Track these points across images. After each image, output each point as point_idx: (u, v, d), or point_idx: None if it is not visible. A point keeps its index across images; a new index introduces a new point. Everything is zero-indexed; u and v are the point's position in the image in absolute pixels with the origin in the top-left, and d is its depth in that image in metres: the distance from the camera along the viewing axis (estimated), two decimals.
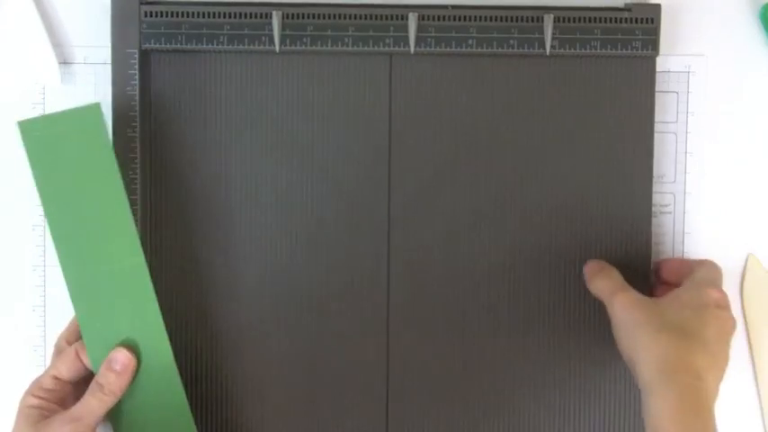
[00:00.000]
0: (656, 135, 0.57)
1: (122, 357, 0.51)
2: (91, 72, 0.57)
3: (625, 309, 0.50)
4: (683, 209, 0.58)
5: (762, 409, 0.58)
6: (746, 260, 0.58)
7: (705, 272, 0.52)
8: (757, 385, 0.58)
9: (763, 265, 0.58)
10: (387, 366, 0.57)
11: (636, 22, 0.54)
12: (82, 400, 0.51)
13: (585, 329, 0.56)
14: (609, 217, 0.56)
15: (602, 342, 0.55)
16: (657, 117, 0.57)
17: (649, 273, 0.56)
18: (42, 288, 0.58)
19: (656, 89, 0.57)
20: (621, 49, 0.54)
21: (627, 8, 0.55)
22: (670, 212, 0.58)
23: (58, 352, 0.53)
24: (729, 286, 0.58)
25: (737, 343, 0.58)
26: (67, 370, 0.52)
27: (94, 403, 0.50)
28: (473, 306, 0.56)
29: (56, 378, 0.52)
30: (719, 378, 0.48)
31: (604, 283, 0.53)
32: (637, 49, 0.54)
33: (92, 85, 0.57)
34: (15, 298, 0.58)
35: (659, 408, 0.45)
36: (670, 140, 0.58)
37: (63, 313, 0.57)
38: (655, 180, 0.57)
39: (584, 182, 0.56)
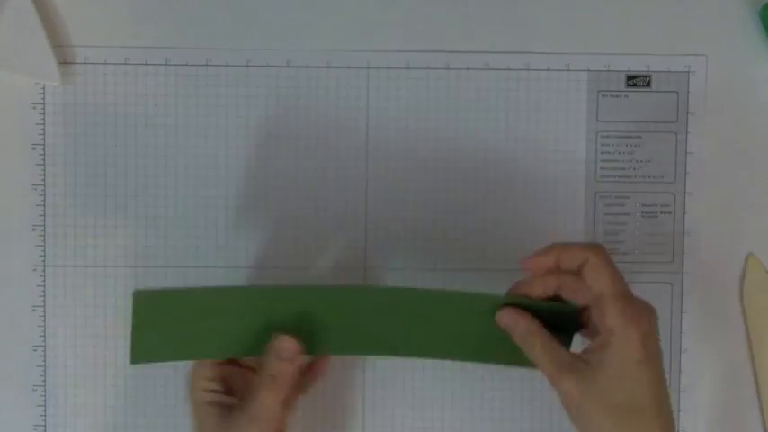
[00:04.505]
0: (656, 135, 0.58)
1: (289, 345, 0.50)
2: (91, 72, 0.57)
3: (573, 400, 0.47)
4: (683, 209, 0.58)
5: (762, 409, 0.58)
6: (746, 260, 0.58)
7: (617, 313, 0.46)
8: (757, 385, 0.58)
9: (764, 265, 0.58)
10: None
11: None
12: (257, 396, 0.49)
13: None
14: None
15: None
16: (657, 117, 0.57)
17: None
18: (42, 288, 0.57)
19: (657, 89, 0.57)
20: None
21: None
22: (670, 212, 0.58)
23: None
24: (729, 286, 0.58)
25: (738, 343, 0.58)
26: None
27: (271, 397, 0.49)
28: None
29: (217, 364, 0.51)
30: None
31: (539, 358, 0.48)
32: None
33: (91, 85, 0.57)
34: (15, 298, 0.58)
35: None
36: (670, 140, 0.58)
37: (63, 313, 0.57)
38: (655, 180, 0.58)
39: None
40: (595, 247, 0.48)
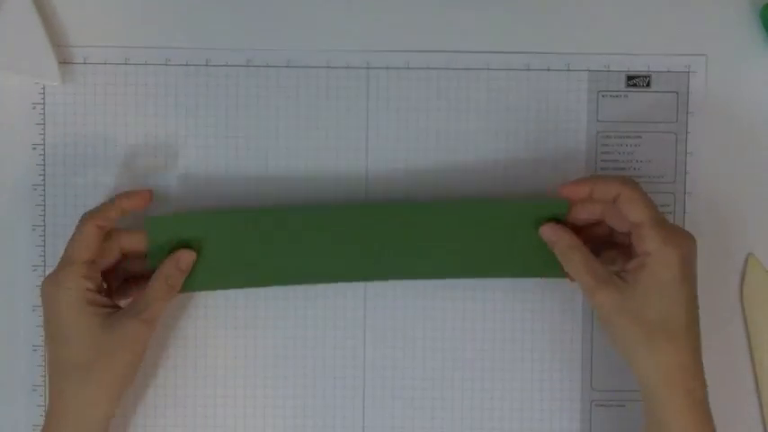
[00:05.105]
0: (655, 135, 0.58)
1: (190, 257, 0.53)
2: (91, 72, 0.57)
3: (608, 313, 0.50)
4: (683, 209, 0.58)
5: (762, 409, 0.58)
6: (746, 260, 0.58)
7: (655, 236, 0.49)
8: (757, 385, 0.58)
9: (764, 265, 0.58)
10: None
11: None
12: (154, 301, 0.51)
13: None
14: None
15: None
16: (657, 117, 0.57)
17: None
18: None
19: (657, 89, 0.57)
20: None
21: None
22: (670, 212, 0.58)
23: (84, 240, 0.51)
24: (729, 286, 0.58)
25: (738, 343, 0.58)
26: (98, 255, 0.52)
27: (164, 303, 0.52)
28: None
29: (94, 263, 0.51)
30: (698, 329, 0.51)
31: (578, 270, 0.51)
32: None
33: (91, 85, 0.57)
34: (15, 298, 0.57)
35: (666, 412, 0.49)
36: (670, 140, 0.58)
37: None
38: (655, 180, 0.58)
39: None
40: (629, 181, 0.51)
